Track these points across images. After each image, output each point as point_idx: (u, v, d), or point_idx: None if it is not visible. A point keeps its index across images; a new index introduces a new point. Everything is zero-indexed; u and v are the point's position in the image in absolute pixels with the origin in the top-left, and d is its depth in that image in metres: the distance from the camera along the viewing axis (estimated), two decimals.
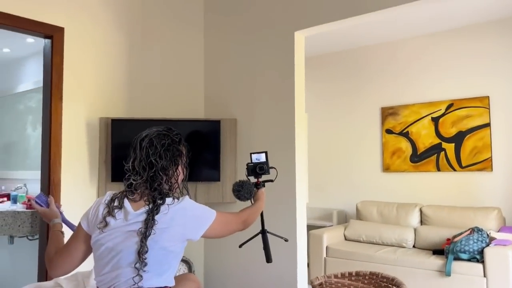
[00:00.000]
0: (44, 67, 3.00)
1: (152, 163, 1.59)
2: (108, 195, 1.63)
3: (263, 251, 2.03)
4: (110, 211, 1.56)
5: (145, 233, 1.51)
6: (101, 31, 3.22)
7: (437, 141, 4.76)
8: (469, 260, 3.71)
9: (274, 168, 2.14)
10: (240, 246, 2.12)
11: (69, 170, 2.97)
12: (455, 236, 3.93)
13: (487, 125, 4.46)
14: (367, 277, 2.40)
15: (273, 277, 3.26)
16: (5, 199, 3.80)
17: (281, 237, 2.16)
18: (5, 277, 3.73)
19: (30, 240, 3.34)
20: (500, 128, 4.42)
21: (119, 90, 3.31)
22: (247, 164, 2.08)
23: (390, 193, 5.05)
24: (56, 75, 2.93)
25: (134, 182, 1.60)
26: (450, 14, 4.32)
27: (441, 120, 4.75)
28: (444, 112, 4.73)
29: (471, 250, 3.70)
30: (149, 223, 1.52)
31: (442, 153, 4.72)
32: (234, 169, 3.45)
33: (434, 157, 4.77)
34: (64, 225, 1.85)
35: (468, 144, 4.56)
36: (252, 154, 2.09)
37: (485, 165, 4.45)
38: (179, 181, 1.69)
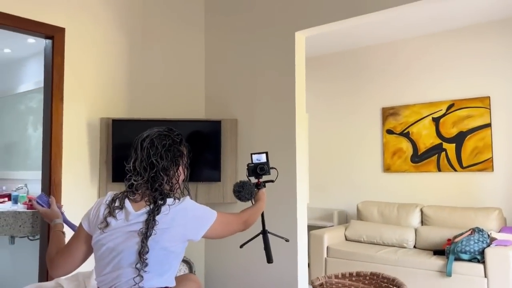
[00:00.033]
0: (45, 68, 3.00)
1: (153, 163, 1.60)
2: (109, 195, 1.63)
3: (264, 251, 2.03)
4: (111, 212, 1.57)
5: (146, 234, 1.51)
6: (102, 31, 3.23)
7: (438, 141, 4.76)
8: (470, 260, 3.71)
9: (274, 168, 2.14)
10: (241, 246, 2.12)
11: (70, 170, 2.98)
12: (456, 237, 3.93)
13: (488, 125, 4.46)
14: (367, 278, 2.40)
15: (274, 277, 3.26)
16: (6, 199, 3.80)
17: (282, 237, 2.16)
18: (6, 277, 3.73)
19: (31, 240, 3.34)
20: (501, 128, 4.41)
21: (120, 91, 3.31)
22: (247, 165, 2.08)
23: (390, 193, 5.05)
24: (57, 75, 2.94)
25: (135, 183, 1.60)
26: (451, 14, 4.32)
27: (442, 120, 4.75)
28: (445, 112, 4.73)
29: (472, 250, 3.70)
30: (150, 223, 1.52)
31: (443, 153, 4.72)
32: (234, 170, 3.45)
33: (435, 158, 4.77)
34: (65, 226, 1.85)
35: (469, 144, 4.56)
36: (253, 155, 2.09)
37: (486, 165, 4.45)
38: (180, 181, 1.69)
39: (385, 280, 2.31)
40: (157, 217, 1.54)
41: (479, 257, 3.67)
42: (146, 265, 1.51)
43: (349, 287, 2.39)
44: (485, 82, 4.51)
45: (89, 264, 1.78)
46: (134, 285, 1.51)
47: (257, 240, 2.10)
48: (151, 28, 3.55)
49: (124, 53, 3.36)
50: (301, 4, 3.25)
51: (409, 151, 4.95)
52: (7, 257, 3.89)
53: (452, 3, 4.01)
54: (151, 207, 1.56)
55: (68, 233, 1.74)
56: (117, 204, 1.59)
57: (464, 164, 4.58)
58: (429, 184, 4.81)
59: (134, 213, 1.56)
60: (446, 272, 3.72)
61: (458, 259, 3.74)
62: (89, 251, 1.63)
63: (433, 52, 4.85)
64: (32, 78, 4.32)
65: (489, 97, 4.47)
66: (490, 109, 4.46)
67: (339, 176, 5.48)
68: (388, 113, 5.12)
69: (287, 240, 2.16)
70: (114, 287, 1.53)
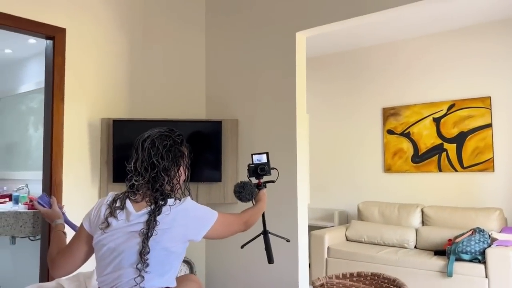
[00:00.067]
0: (46, 68, 3.00)
1: (154, 164, 1.60)
2: (110, 195, 1.64)
3: (265, 252, 2.03)
4: (112, 212, 1.57)
5: (147, 234, 1.51)
6: (102, 31, 3.23)
7: (439, 141, 4.76)
8: (470, 260, 3.70)
9: (275, 169, 2.14)
10: (242, 246, 2.12)
11: (71, 170, 2.98)
12: (456, 237, 3.93)
13: (489, 125, 4.45)
14: (368, 278, 2.40)
15: (275, 278, 3.26)
16: (7, 199, 3.80)
17: (283, 238, 2.16)
18: (7, 278, 3.73)
19: (32, 240, 3.34)
20: (501, 129, 4.41)
21: (120, 91, 3.32)
22: (248, 165, 2.08)
23: (391, 193, 5.05)
24: (58, 75, 2.94)
25: (136, 183, 1.61)
26: (451, 14, 4.32)
27: (442, 120, 4.75)
28: (446, 112, 4.73)
29: (472, 250, 3.70)
30: (151, 223, 1.52)
31: (444, 153, 4.72)
32: (235, 170, 3.45)
33: (435, 158, 4.77)
34: (66, 226, 1.85)
35: (470, 144, 4.56)
36: (253, 155, 2.09)
37: (487, 165, 4.44)
38: (181, 181, 1.69)
39: (386, 281, 2.31)
40: (158, 218, 1.54)
41: (480, 258, 3.67)
42: (147, 265, 1.51)
43: None
44: (486, 82, 4.51)
45: (90, 265, 1.78)
46: (135, 285, 1.51)
47: (257, 241, 2.10)
48: (151, 28, 3.55)
49: (125, 53, 3.36)
50: (302, 5, 3.25)
51: (410, 151, 4.95)
52: (8, 258, 3.89)
53: (453, 3, 4.01)
54: (152, 207, 1.56)
55: (70, 234, 1.74)
56: (118, 204, 1.59)
57: (465, 164, 4.58)
58: (430, 185, 4.81)
59: (135, 214, 1.56)
60: (447, 273, 3.71)
61: (459, 259, 3.74)
62: (90, 251, 1.63)
63: (433, 52, 4.85)
64: (33, 79, 4.32)
65: (490, 97, 4.47)
66: (491, 109, 4.46)
67: (340, 177, 5.48)
68: (388, 113, 5.12)
69: (288, 241, 2.16)
70: (115, 287, 1.54)
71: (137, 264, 1.51)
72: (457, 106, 4.66)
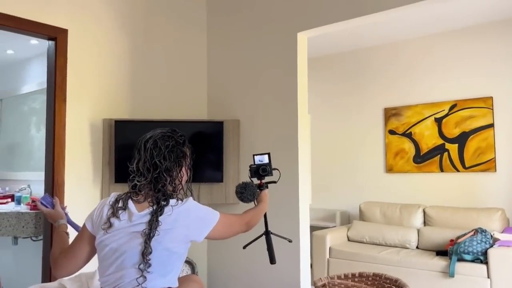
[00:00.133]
0: (48, 69, 3.01)
1: (156, 164, 1.60)
2: (113, 196, 1.64)
3: (267, 252, 2.03)
4: (114, 212, 1.57)
5: (149, 234, 1.51)
6: (104, 31, 3.23)
7: (441, 141, 4.76)
8: (472, 261, 3.70)
9: (277, 169, 2.15)
10: (244, 247, 2.13)
11: (73, 171, 2.98)
12: (458, 237, 3.92)
13: (491, 125, 4.45)
14: (370, 278, 2.40)
15: (276, 278, 3.26)
16: (9, 200, 3.81)
17: (285, 238, 2.16)
18: (9, 278, 3.74)
19: (34, 241, 3.35)
20: (503, 129, 4.41)
21: (122, 91, 3.32)
22: (250, 166, 2.09)
23: (393, 194, 5.04)
24: (60, 76, 2.94)
25: (138, 183, 1.61)
26: (453, 14, 4.31)
27: (444, 120, 4.74)
28: (448, 112, 4.73)
29: (474, 251, 3.70)
30: (153, 224, 1.52)
31: (446, 153, 4.71)
32: (237, 170, 3.45)
33: (437, 158, 4.76)
34: (69, 226, 1.86)
35: (472, 144, 4.55)
36: (255, 156, 2.10)
37: (489, 165, 4.44)
38: (183, 182, 1.69)
39: (388, 281, 2.31)
40: (160, 218, 1.54)
41: (482, 258, 3.67)
42: (149, 265, 1.51)
43: None
44: (488, 82, 4.51)
45: (92, 265, 1.79)
46: (137, 285, 1.52)
47: (259, 241, 2.10)
48: (153, 28, 3.56)
49: (126, 53, 3.37)
50: (303, 5, 3.25)
51: (412, 151, 4.94)
52: (10, 258, 3.90)
53: (454, 3, 4.01)
54: (154, 207, 1.56)
55: (72, 234, 1.75)
56: (120, 204, 1.59)
57: (467, 165, 4.57)
58: (431, 185, 4.80)
59: (137, 214, 1.56)
60: (449, 273, 3.71)
61: (461, 259, 3.74)
62: (92, 251, 1.63)
63: (435, 52, 4.84)
64: (35, 79, 4.33)
65: (491, 97, 4.47)
66: (492, 109, 4.45)
67: (342, 177, 5.48)
68: (390, 113, 5.12)
69: (290, 241, 2.16)
70: (117, 287, 1.54)
71: (139, 265, 1.51)
72: (458, 106, 4.65)
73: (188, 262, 3.48)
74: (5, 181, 4.49)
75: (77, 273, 1.89)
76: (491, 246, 3.72)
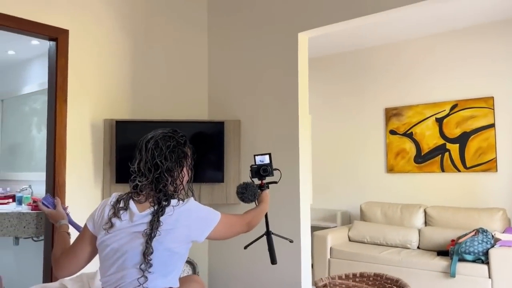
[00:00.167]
0: (49, 69, 3.01)
1: (157, 164, 1.60)
2: (114, 196, 1.64)
3: (268, 252, 2.03)
4: (115, 212, 1.57)
5: (150, 234, 1.51)
6: (105, 32, 3.24)
7: (442, 141, 4.75)
8: (474, 261, 3.70)
9: (278, 169, 2.14)
10: (246, 247, 2.13)
11: (74, 171, 2.99)
12: (459, 237, 3.92)
13: (492, 125, 4.44)
14: (371, 279, 2.40)
15: (277, 278, 3.26)
16: (10, 200, 3.82)
17: (286, 238, 2.16)
18: (11, 278, 3.74)
19: (35, 241, 3.35)
20: (504, 129, 4.40)
21: (123, 92, 3.33)
22: (251, 166, 2.08)
23: (394, 194, 5.04)
24: (61, 77, 2.95)
25: (139, 184, 1.61)
26: (454, 14, 4.31)
27: (445, 120, 4.74)
28: (449, 112, 4.72)
29: (476, 251, 3.69)
30: (154, 224, 1.52)
31: (447, 154, 4.71)
32: (238, 170, 3.45)
33: (438, 158, 4.76)
34: (70, 227, 1.86)
35: (473, 144, 4.55)
36: (256, 156, 2.09)
37: (490, 165, 4.43)
38: (184, 182, 1.70)
39: (389, 281, 2.31)
40: (161, 218, 1.54)
41: (483, 258, 3.66)
42: (151, 265, 1.52)
43: None
44: (489, 82, 4.50)
45: (93, 265, 1.79)
46: (139, 285, 1.52)
47: (260, 241, 2.10)
48: (153, 29, 3.56)
49: (127, 53, 3.37)
50: (304, 5, 3.25)
51: (413, 151, 4.94)
52: (12, 258, 3.90)
53: (455, 3, 4.00)
54: (155, 208, 1.56)
55: (73, 234, 1.75)
56: (121, 205, 1.59)
57: (468, 165, 4.57)
58: (432, 185, 4.80)
59: (139, 214, 1.57)
60: (450, 273, 3.71)
61: (462, 260, 3.73)
62: (93, 252, 1.64)
63: (436, 52, 4.84)
64: (36, 80, 4.34)
65: (492, 97, 4.46)
66: (493, 109, 4.45)
67: (342, 177, 5.48)
68: (391, 113, 5.12)
69: (291, 241, 2.16)
70: (118, 287, 1.54)
71: (141, 265, 1.52)
72: (460, 106, 4.65)
73: (189, 262, 3.49)
74: (6, 182, 4.50)
75: (78, 273, 1.89)
76: (492, 246, 3.71)
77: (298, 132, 3.23)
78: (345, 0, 3.04)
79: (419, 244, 4.38)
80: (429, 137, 4.84)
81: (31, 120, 4.35)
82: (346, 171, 5.45)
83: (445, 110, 4.74)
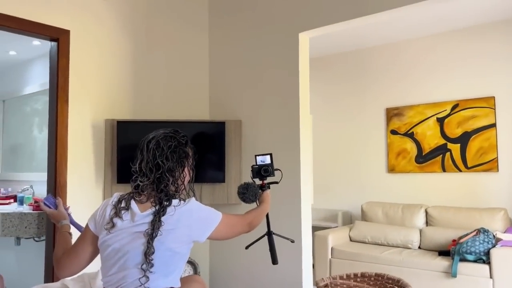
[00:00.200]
0: (50, 70, 3.02)
1: (158, 164, 1.60)
2: (115, 196, 1.65)
3: (269, 252, 2.03)
4: (117, 212, 1.58)
5: (151, 234, 1.52)
6: (106, 32, 3.24)
7: (443, 141, 4.75)
8: (475, 261, 3.69)
9: (279, 170, 2.15)
10: (247, 247, 2.13)
11: (75, 171, 2.99)
12: (461, 237, 3.92)
13: (493, 125, 4.44)
14: (372, 279, 2.40)
15: (278, 278, 3.26)
16: (11, 200, 3.82)
17: (288, 239, 2.16)
18: (12, 279, 3.75)
19: (37, 241, 3.36)
20: (506, 129, 4.40)
21: (124, 92, 3.33)
22: (252, 166, 2.09)
23: (395, 194, 5.04)
24: (62, 77, 2.95)
25: (141, 184, 1.61)
26: (455, 14, 4.31)
27: (446, 120, 4.74)
28: (450, 112, 4.72)
29: (477, 251, 3.69)
30: (155, 224, 1.53)
31: (448, 153, 4.71)
32: (239, 170, 3.45)
33: (439, 158, 4.76)
34: (72, 227, 1.86)
35: (474, 144, 4.54)
36: (257, 156, 2.10)
37: (491, 165, 4.43)
38: (186, 182, 1.70)
39: (390, 281, 2.31)
40: (162, 218, 1.54)
41: (485, 258, 3.66)
42: (152, 265, 1.52)
43: None
44: (490, 82, 4.50)
45: (95, 265, 1.79)
46: (140, 285, 1.52)
47: (261, 241, 2.10)
48: (154, 29, 3.56)
49: (128, 54, 3.37)
50: (305, 5, 3.25)
51: (414, 151, 4.94)
52: (13, 258, 3.91)
53: (455, 3, 4.00)
54: (157, 208, 1.57)
55: (75, 234, 1.75)
56: (123, 205, 1.60)
57: (469, 165, 4.56)
58: (433, 185, 4.80)
59: (140, 214, 1.57)
60: (451, 273, 3.70)
61: (463, 260, 3.73)
62: (95, 252, 1.64)
63: (437, 52, 4.84)
64: (38, 80, 4.34)
65: (493, 97, 4.46)
66: (495, 109, 4.44)
67: (344, 177, 5.48)
68: (392, 113, 5.12)
69: (292, 241, 2.16)
70: (120, 287, 1.54)
71: (142, 265, 1.52)
72: (461, 106, 4.65)
73: (190, 262, 3.49)
74: (8, 182, 4.50)
75: (80, 273, 1.89)
76: (494, 246, 3.71)
77: (299, 132, 3.23)
78: (346, 0, 3.04)
79: (420, 244, 4.38)
80: (430, 137, 4.83)
81: (32, 120, 4.36)
82: (347, 171, 5.45)
83: (446, 110, 4.74)
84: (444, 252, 4.03)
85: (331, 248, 4.48)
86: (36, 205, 3.22)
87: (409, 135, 4.98)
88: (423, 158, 4.87)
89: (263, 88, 3.46)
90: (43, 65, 4.26)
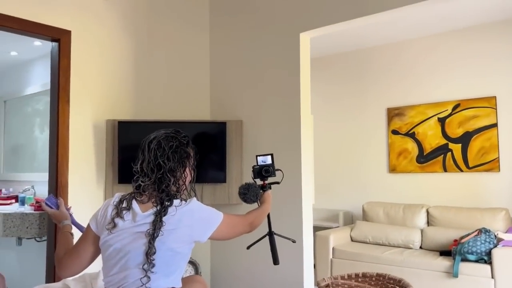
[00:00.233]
0: (52, 70, 3.02)
1: (160, 164, 1.61)
2: (117, 196, 1.65)
3: (270, 253, 2.03)
4: (118, 213, 1.58)
5: (153, 234, 1.52)
6: (107, 32, 3.24)
7: (444, 141, 4.74)
8: (476, 261, 3.69)
9: (280, 170, 2.15)
10: (248, 247, 2.13)
11: (77, 172, 2.99)
12: (462, 237, 3.91)
13: (494, 125, 4.43)
14: (373, 279, 2.40)
15: (280, 279, 3.26)
16: (13, 201, 3.83)
17: (289, 239, 2.16)
18: (13, 279, 3.75)
19: (38, 241, 3.36)
20: (507, 128, 4.39)
21: (125, 92, 3.33)
22: (253, 167, 2.09)
23: (396, 194, 5.04)
24: (63, 77, 2.96)
25: (142, 184, 1.62)
26: (456, 14, 4.30)
27: (447, 120, 4.73)
28: (451, 112, 4.71)
29: (478, 251, 3.69)
30: (157, 224, 1.53)
31: (449, 153, 4.70)
32: (240, 171, 3.45)
33: (440, 158, 4.75)
34: (73, 227, 1.87)
35: (475, 144, 4.54)
36: (258, 157, 2.10)
37: (492, 165, 4.42)
38: (187, 182, 1.70)
39: (391, 281, 2.31)
40: (164, 218, 1.55)
41: (486, 258, 3.66)
42: (153, 265, 1.52)
43: None
44: (491, 82, 4.49)
45: (96, 265, 1.79)
46: (141, 285, 1.52)
47: (262, 242, 2.10)
48: (155, 29, 3.56)
49: (130, 54, 3.38)
50: (306, 5, 3.25)
51: (415, 151, 4.93)
52: (14, 259, 3.91)
53: (456, 3, 4.00)
54: (158, 208, 1.57)
55: (76, 235, 1.76)
56: (124, 205, 1.60)
57: (470, 165, 4.56)
58: (435, 185, 4.79)
59: (141, 214, 1.57)
60: (452, 273, 3.70)
61: (464, 260, 3.72)
62: (96, 252, 1.64)
63: (438, 52, 4.83)
64: (39, 81, 4.35)
65: (495, 97, 4.45)
66: (496, 109, 4.44)
67: (345, 177, 5.47)
68: (393, 113, 5.11)
69: (294, 241, 2.16)
70: (121, 287, 1.54)
71: (143, 265, 1.52)
72: (462, 106, 4.64)
73: (192, 262, 3.49)
74: (9, 182, 4.51)
75: (81, 273, 1.89)
76: (495, 246, 3.70)
77: (300, 132, 3.23)
78: (347, 0, 3.04)
79: (421, 244, 4.37)
80: (432, 137, 4.83)
81: (33, 120, 4.36)
82: (348, 171, 5.45)
83: (447, 109, 4.73)
84: (445, 252, 4.03)
85: (332, 248, 4.48)
86: (38, 206, 3.22)
87: (410, 135, 4.98)
88: (424, 158, 4.86)
89: (264, 88, 3.46)
90: (44, 65, 4.27)
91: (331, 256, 4.47)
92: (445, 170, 4.71)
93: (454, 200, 4.63)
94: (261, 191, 2.04)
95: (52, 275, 2.87)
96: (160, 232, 1.53)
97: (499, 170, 4.40)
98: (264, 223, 2.00)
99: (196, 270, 3.48)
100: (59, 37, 2.95)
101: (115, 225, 1.56)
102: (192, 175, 1.73)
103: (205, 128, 3.37)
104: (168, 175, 1.61)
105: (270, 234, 2.07)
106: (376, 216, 4.78)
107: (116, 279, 1.56)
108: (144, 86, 3.45)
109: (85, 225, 1.73)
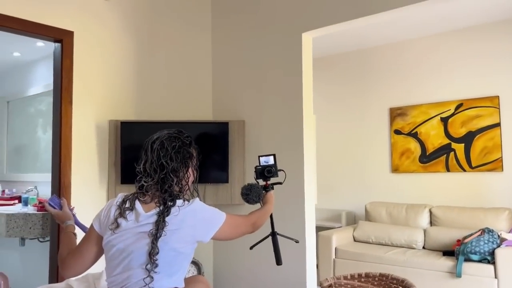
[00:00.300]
0: (54, 71, 3.03)
1: (163, 165, 1.61)
2: (120, 196, 1.65)
3: (273, 253, 2.03)
4: (121, 213, 1.58)
5: (156, 235, 1.52)
6: (109, 33, 3.25)
7: (447, 141, 4.73)
8: (479, 261, 3.68)
9: (282, 170, 2.14)
10: (251, 248, 2.13)
11: (79, 172, 3.00)
12: (465, 237, 3.90)
13: (497, 125, 4.42)
14: (376, 279, 2.40)
15: (282, 279, 3.26)
16: (16, 201, 3.84)
17: (292, 239, 2.16)
18: (17, 279, 3.76)
19: (41, 242, 3.37)
20: (510, 128, 4.38)
21: (128, 93, 3.34)
22: (255, 167, 2.09)
23: (399, 194, 5.03)
24: (66, 78, 2.96)
25: (145, 184, 1.62)
26: (458, 14, 4.30)
27: (450, 120, 4.72)
28: (454, 112, 4.70)
29: (481, 251, 3.68)
30: (159, 224, 1.53)
31: (452, 153, 4.69)
32: (242, 171, 3.45)
33: (443, 158, 4.74)
34: (76, 227, 1.87)
35: (478, 144, 4.53)
36: (260, 157, 2.10)
37: (495, 165, 4.41)
38: (190, 183, 1.70)
39: (394, 281, 2.31)
40: (166, 218, 1.55)
41: (489, 258, 3.65)
42: (156, 266, 1.52)
43: None
44: (494, 81, 4.48)
45: (99, 265, 1.80)
46: (144, 286, 1.52)
47: (265, 242, 2.10)
48: (157, 30, 3.57)
49: (132, 55, 3.38)
50: (308, 5, 3.25)
51: (417, 151, 4.92)
52: (18, 259, 3.92)
53: (458, 3, 3.99)
54: (161, 208, 1.57)
55: (80, 235, 1.76)
56: (127, 205, 1.60)
57: (473, 164, 4.55)
58: (438, 185, 4.78)
59: (144, 214, 1.57)
60: (455, 273, 3.69)
61: (468, 260, 3.72)
62: (99, 252, 1.64)
63: (440, 51, 4.82)
64: (41, 81, 4.36)
65: (498, 96, 4.44)
66: (499, 108, 4.43)
67: (347, 177, 5.47)
68: (396, 113, 5.10)
69: (297, 242, 2.15)
70: (124, 287, 1.55)
71: (146, 265, 1.52)
72: (465, 105, 4.63)
73: (194, 262, 3.49)
74: (12, 183, 4.52)
75: (84, 274, 1.90)
76: (498, 246, 3.69)
77: (302, 132, 3.23)
78: (348, 0, 3.04)
79: (424, 244, 4.37)
80: (434, 137, 4.82)
81: (36, 121, 4.37)
82: (350, 171, 5.44)
83: (450, 109, 4.72)
84: (448, 252, 4.02)
85: (335, 248, 4.47)
86: (41, 206, 3.23)
87: (413, 135, 4.97)
88: (427, 158, 4.85)
89: (267, 88, 3.46)
90: (47, 66, 4.28)
91: (333, 256, 4.47)
92: (448, 170, 4.70)
93: (457, 200, 4.62)
94: (263, 191, 2.04)
95: (55, 276, 2.88)
96: (163, 232, 1.53)
97: (502, 170, 4.38)
98: (267, 223, 2.00)
99: (199, 270, 3.49)
100: (62, 38, 2.95)
101: (118, 225, 1.56)
102: (195, 175, 1.73)
103: (207, 128, 3.37)
104: (171, 175, 1.61)
105: (273, 234, 2.06)
106: (379, 216, 4.77)
107: (119, 279, 1.56)
108: (146, 86, 3.46)
109: (88, 225, 1.73)
